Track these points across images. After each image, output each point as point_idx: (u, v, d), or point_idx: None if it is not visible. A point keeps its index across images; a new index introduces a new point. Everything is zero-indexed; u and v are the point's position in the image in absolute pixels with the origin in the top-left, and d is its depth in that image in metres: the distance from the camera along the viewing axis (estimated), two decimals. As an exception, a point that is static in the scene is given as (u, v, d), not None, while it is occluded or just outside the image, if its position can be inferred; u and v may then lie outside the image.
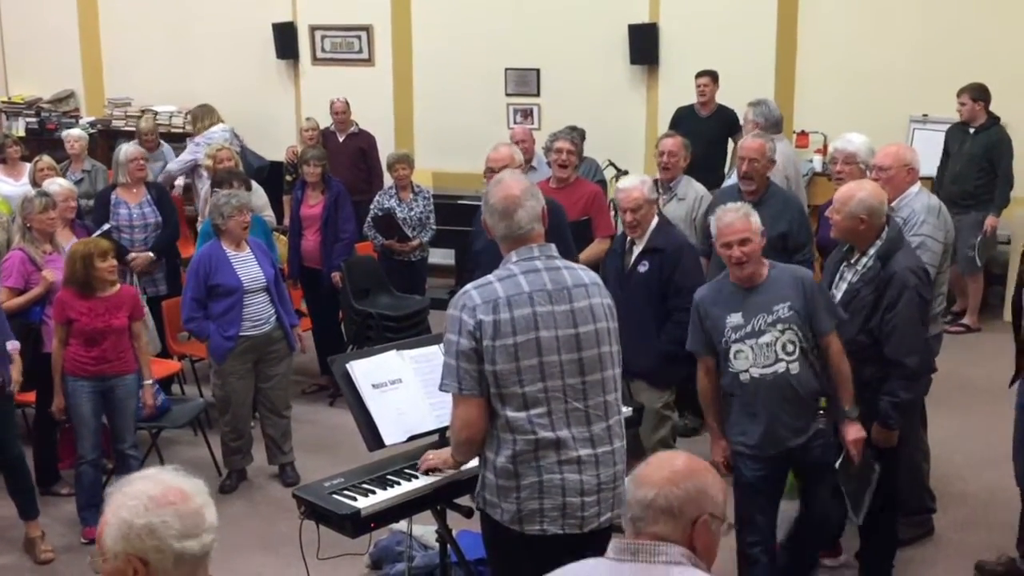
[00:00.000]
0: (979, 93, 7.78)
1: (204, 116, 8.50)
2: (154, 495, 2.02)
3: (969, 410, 6.21)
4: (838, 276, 4.40)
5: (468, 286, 3.21)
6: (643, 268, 4.98)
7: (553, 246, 3.32)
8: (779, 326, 3.99)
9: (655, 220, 5.02)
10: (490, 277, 3.22)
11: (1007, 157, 7.72)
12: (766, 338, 4.01)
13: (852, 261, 4.32)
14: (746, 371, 4.08)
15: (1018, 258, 5.70)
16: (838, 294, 4.34)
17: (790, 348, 4.00)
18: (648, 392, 4.99)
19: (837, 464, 4.15)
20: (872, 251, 4.22)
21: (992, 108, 8.18)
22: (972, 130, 7.80)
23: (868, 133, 5.37)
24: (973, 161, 7.73)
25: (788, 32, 9.05)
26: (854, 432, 4.07)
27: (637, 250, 5.02)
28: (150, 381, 5.37)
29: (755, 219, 4.13)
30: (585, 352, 3.21)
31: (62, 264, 5.43)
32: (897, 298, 4.11)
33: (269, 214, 7.30)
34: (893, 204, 4.68)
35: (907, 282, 4.11)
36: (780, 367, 4.02)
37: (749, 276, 4.09)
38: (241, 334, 5.62)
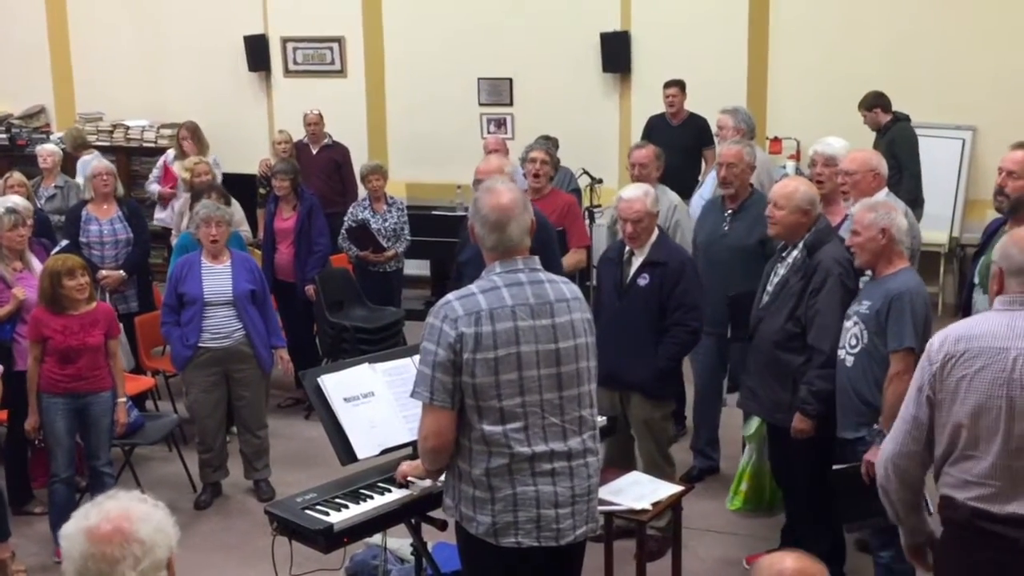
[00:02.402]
0: (872, 101, 7.81)
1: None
2: (88, 525, 1.96)
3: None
4: (772, 274, 4.59)
5: (450, 296, 3.18)
6: (643, 281, 4.88)
7: (537, 258, 3.29)
8: (855, 319, 4.15)
9: (655, 232, 4.94)
10: (472, 288, 3.19)
11: (905, 153, 7.57)
12: (848, 323, 4.20)
13: (784, 255, 4.55)
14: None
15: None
16: (771, 289, 4.55)
17: (853, 342, 4.16)
18: (644, 405, 4.95)
19: (836, 467, 4.21)
20: (801, 243, 4.46)
21: (964, 114, 8.26)
22: (881, 132, 7.84)
23: (841, 138, 5.41)
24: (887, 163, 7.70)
25: (759, 39, 9.10)
26: (869, 454, 4.05)
27: (637, 262, 4.92)
28: (123, 399, 5.32)
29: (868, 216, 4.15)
30: (564, 367, 3.20)
31: (33, 282, 5.38)
32: (821, 285, 4.34)
33: (245, 229, 7.26)
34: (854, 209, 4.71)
35: (831, 270, 4.34)
36: (841, 354, 4.22)
37: (865, 265, 4.21)
38: (200, 345, 5.61)
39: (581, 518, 3.25)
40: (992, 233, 4.41)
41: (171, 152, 8.83)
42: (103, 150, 9.89)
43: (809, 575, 2.19)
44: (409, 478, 3.56)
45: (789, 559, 2.23)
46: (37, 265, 5.59)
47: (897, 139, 7.67)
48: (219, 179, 7.70)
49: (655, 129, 8.43)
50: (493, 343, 3.08)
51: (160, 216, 8.52)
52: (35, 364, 5.10)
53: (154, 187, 8.60)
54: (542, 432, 3.16)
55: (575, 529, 3.23)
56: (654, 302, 4.86)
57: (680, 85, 8.42)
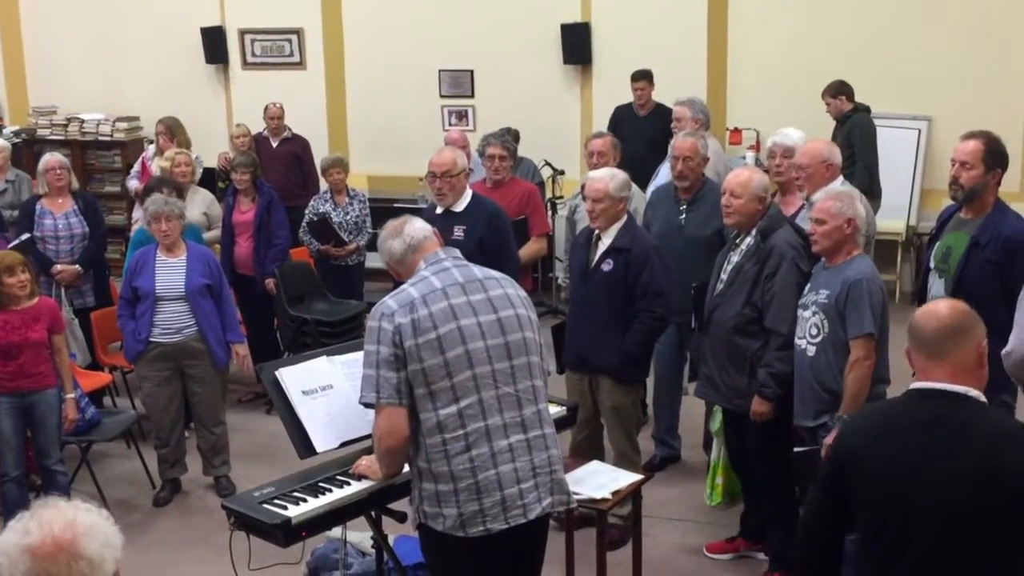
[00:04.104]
0: (837, 89, 7.84)
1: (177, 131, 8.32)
2: (30, 543, 1.87)
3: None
4: (725, 262, 4.64)
5: (385, 297, 3.27)
6: (607, 267, 4.88)
7: (457, 250, 3.43)
8: (814, 308, 4.20)
9: (623, 219, 4.94)
10: (404, 285, 3.31)
11: (861, 144, 7.60)
12: (806, 313, 4.26)
13: (737, 242, 4.61)
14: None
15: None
16: (725, 277, 4.60)
17: (814, 332, 4.21)
18: (615, 390, 4.96)
19: (796, 449, 4.24)
20: (754, 230, 4.52)
21: (920, 104, 8.31)
22: (840, 122, 7.86)
23: (800, 128, 5.44)
24: (843, 152, 7.71)
25: (719, 29, 9.14)
26: (829, 437, 4.07)
27: (602, 247, 4.93)
28: (72, 395, 5.25)
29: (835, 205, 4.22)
30: (510, 336, 3.27)
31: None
32: (776, 268, 4.43)
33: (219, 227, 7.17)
34: (813, 199, 4.74)
35: (786, 254, 4.43)
36: (802, 344, 4.27)
37: (824, 252, 4.23)
38: (151, 339, 5.56)
39: (545, 490, 3.28)
40: (946, 219, 4.46)
41: (151, 148, 8.71)
42: (57, 144, 9.76)
43: (963, 315, 2.42)
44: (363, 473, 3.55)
45: (943, 304, 2.47)
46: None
47: (855, 130, 7.71)
48: (198, 175, 7.58)
49: (622, 119, 8.43)
50: (432, 324, 3.16)
51: (136, 214, 8.36)
52: None
53: (132, 183, 8.47)
54: (497, 403, 3.21)
55: (541, 501, 3.26)
56: (616, 288, 4.87)
57: (648, 77, 8.45)
